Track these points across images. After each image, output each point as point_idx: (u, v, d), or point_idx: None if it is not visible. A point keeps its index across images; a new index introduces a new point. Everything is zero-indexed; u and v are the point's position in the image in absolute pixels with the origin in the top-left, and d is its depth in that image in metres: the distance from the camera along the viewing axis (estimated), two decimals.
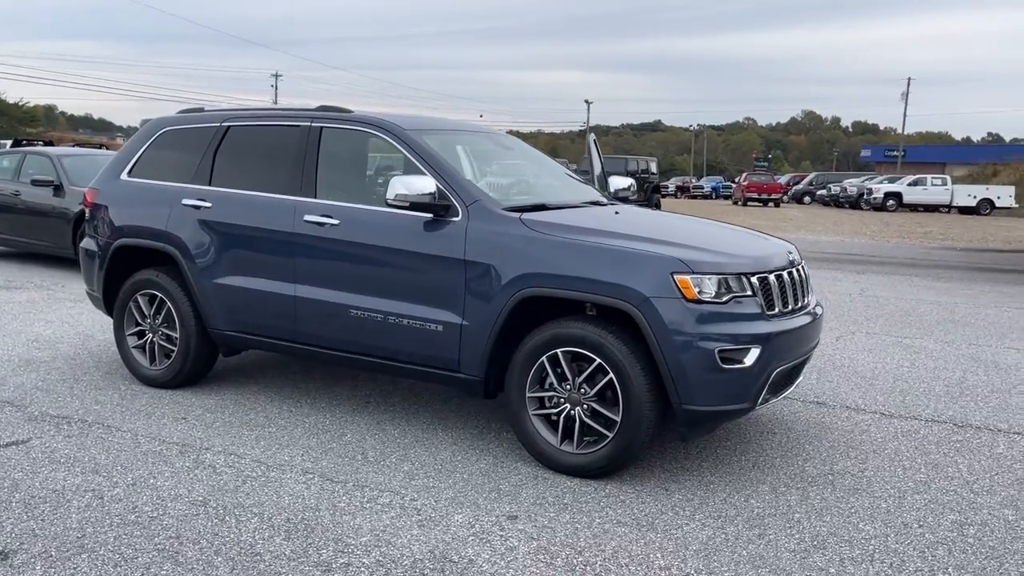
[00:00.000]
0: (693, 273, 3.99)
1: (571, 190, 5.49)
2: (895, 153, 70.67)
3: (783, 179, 53.73)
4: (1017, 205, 42.10)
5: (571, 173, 6.12)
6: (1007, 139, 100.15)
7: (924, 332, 8.45)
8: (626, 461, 4.16)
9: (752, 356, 4.02)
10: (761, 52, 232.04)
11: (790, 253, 4.61)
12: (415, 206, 4.50)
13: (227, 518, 3.67)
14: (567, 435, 4.26)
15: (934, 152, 76.07)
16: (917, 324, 8.90)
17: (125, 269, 5.74)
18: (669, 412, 4.13)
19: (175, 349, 5.50)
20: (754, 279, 4.14)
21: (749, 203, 43.33)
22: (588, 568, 3.32)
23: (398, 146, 4.84)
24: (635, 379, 4.02)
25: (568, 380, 4.22)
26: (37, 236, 10.95)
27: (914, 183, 42.45)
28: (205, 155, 5.45)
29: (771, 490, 4.17)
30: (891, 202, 41.68)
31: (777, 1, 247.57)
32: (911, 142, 75.58)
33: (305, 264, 4.94)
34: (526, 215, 4.48)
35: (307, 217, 4.91)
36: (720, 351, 3.95)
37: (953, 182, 43.13)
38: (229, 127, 5.44)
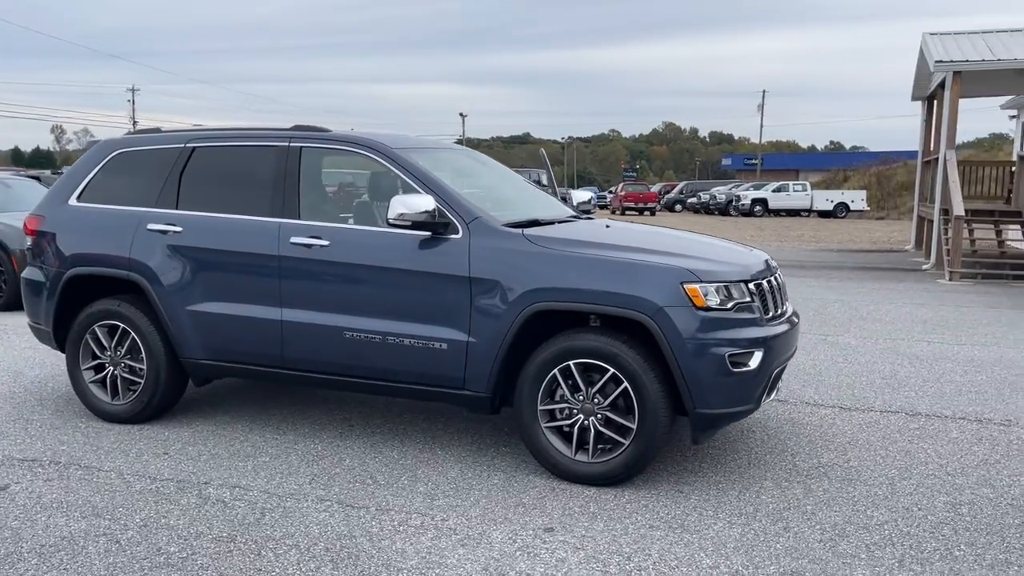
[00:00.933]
0: (701, 282, 4.16)
1: (549, 205, 5.58)
2: (754, 161, 74.54)
3: (655, 188, 55.58)
4: (869, 208, 45.25)
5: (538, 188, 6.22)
6: (847, 146, 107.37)
7: (841, 329, 9.00)
8: (642, 467, 4.28)
9: (756, 359, 4.23)
10: (623, 66, 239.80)
11: (767, 261, 4.86)
12: (417, 225, 4.49)
13: (264, 553, 3.55)
14: (580, 446, 4.34)
15: (788, 160, 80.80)
16: (832, 322, 9.47)
17: (79, 300, 5.42)
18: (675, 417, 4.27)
19: (141, 382, 5.24)
20: (750, 285, 4.35)
21: (627, 212, 44.66)
22: (642, 572, 3.41)
23: (388, 165, 4.81)
24: (650, 386, 4.15)
25: (581, 391, 4.30)
26: None
27: (778, 189, 44.93)
28: (169, 178, 5.23)
29: (775, 485, 4.38)
30: (758, 208, 43.97)
31: (637, 17, 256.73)
32: (763, 150, 79.68)
33: (292, 287, 4.82)
34: (527, 230, 4.54)
35: (293, 239, 4.80)
36: (730, 355, 4.13)
37: (812, 188, 45.92)
38: (195, 148, 5.25)
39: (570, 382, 4.33)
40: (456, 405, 4.74)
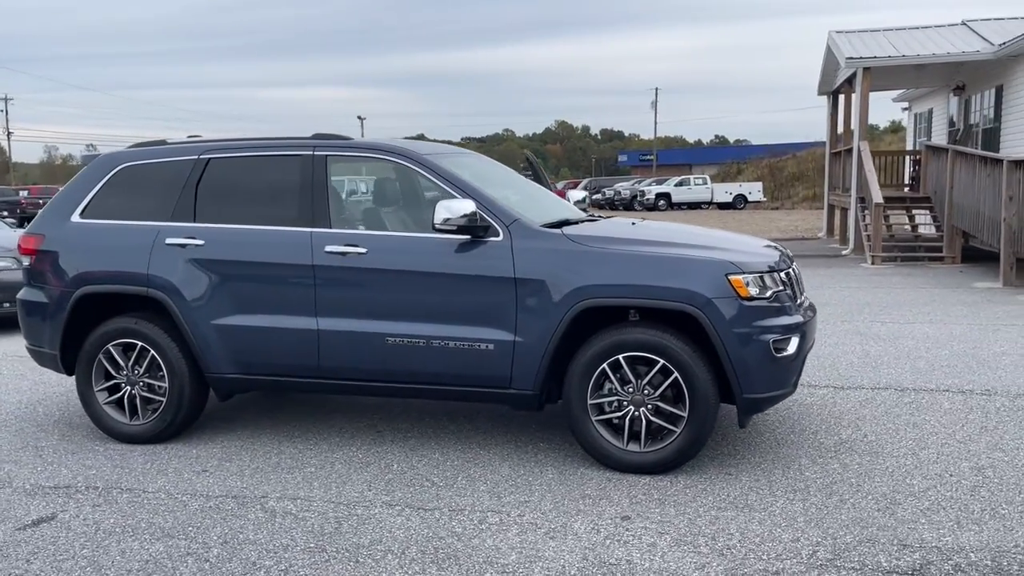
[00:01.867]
0: (743, 273, 4.38)
1: (564, 205, 5.72)
2: (649, 157, 76.47)
3: (559, 186, 56.37)
4: (765, 199, 47.16)
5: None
6: (731, 140, 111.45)
7: None
8: (694, 453, 4.47)
9: (793, 344, 4.48)
10: (511, 66, 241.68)
11: (785, 253, 5.13)
12: (462, 229, 4.56)
13: (361, 560, 3.57)
14: (632, 437, 4.50)
15: (681, 155, 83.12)
16: None
17: (88, 320, 5.25)
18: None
19: (163, 400, 5.12)
20: (781, 275, 4.60)
21: None
22: (732, 551, 3.59)
23: (422, 172, 4.85)
24: (700, 375, 4.35)
25: (630, 383, 4.46)
26: None
27: (680, 184, 46.31)
28: (184, 191, 5.13)
29: (812, 463, 4.65)
30: (662, 202, 45.20)
31: (528, 16, 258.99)
32: (655, 146, 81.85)
33: (328, 296, 4.81)
34: (566, 230, 4.67)
35: (328, 248, 4.78)
36: (774, 342, 4.37)
37: (711, 181, 47.56)
38: (210, 160, 5.16)
39: (619, 375, 4.48)
40: (500, 404, 4.82)
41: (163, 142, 5.45)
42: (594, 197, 52.19)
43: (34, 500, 4.33)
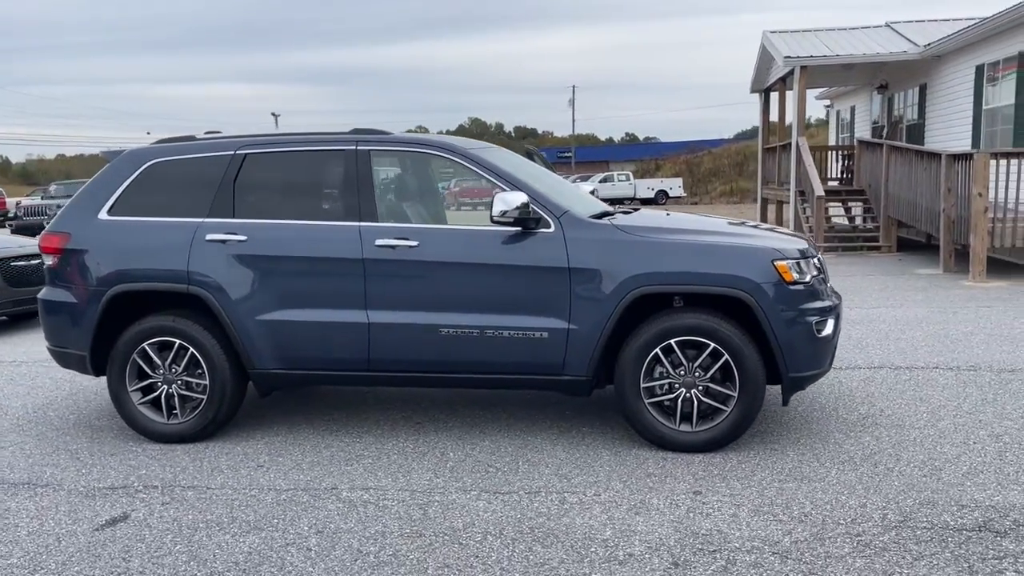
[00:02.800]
0: (786, 259, 4.64)
1: (589, 197, 5.89)
2: (568, 155, 77.38)
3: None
4: (686, 194, 48.41)
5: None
6: (641, 137, 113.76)
7: None
8: (743, 430, 4.70)
9: (830, 326, 4.77)
10: (428, 63, 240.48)
11: (808, 242, 5.42)
12: (516, 221, 4.68)
13: (463, 542, 3.67)
14: (683, 418, 4.71)
15: (598, 152, 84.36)
16: None
17: (120, 319, 5.16)
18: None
19: (202, 398, 5.08)
20: (813, 261, 4.88)
21: (463, 208, 45.18)
22: (810, 517, 3.83)
23: (468, 165, 4.95)
24: (750, 357, 4.59)
25: (682, 366, 4.67)
26: None
27: (604, 180, 47.07)
28: (221, 187, 5.09)
29: (845, 437, 4.95)
30: None
31: (441, 13, 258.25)
32: (569, 143, 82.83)
33: (379, 289, 4.86)
34: (614, 220, 4.85)
35: (379, 241, 4.84)
36: (816, 323, 4.65)
37: (634, 178, 48.54)
38: (246, 155, 5.14)
39: (670, 359, 4.68)
40: (552, 390, 4.96)
41: (192, 138, 5.39)
42: None
43: (95, 501, 4.27)
